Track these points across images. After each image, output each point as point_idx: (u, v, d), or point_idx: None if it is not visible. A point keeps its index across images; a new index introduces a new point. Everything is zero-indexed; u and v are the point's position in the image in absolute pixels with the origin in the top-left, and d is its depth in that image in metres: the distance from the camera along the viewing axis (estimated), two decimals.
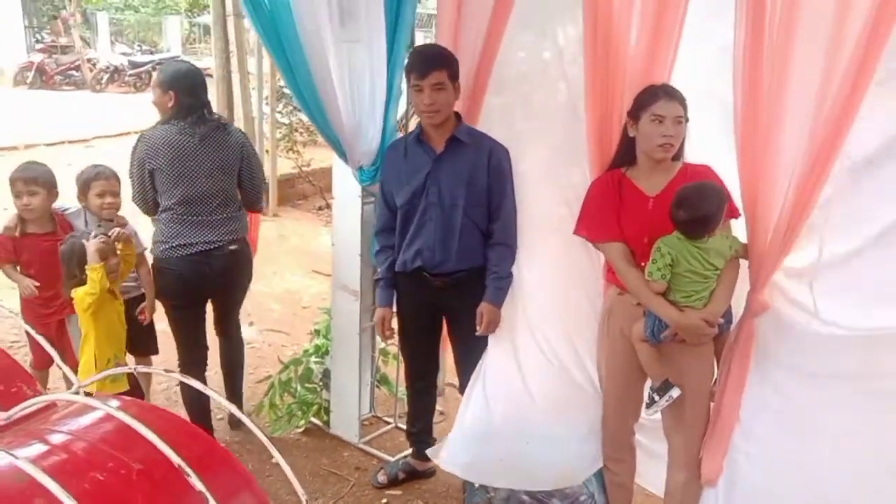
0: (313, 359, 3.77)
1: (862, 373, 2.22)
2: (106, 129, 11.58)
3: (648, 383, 2.63)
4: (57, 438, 0.68)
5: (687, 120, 2.43)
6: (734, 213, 2.40)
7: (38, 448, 0.65)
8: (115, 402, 0.69)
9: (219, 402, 0.96)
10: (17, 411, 0.72)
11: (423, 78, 2.65)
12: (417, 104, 2.73)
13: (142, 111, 13.00)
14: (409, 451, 3.44)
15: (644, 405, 2.68)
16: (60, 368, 0.80)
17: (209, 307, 3.46)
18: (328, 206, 7.79)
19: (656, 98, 2.40)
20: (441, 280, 2.86)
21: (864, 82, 1.98)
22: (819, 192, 2.15)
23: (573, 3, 2.68)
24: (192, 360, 3.34)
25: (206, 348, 3.41)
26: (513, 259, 2.87)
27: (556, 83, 2.91)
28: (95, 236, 2.90)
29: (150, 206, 3.21)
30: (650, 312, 2.47)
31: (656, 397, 2.53)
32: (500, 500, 3.10)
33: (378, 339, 3.74)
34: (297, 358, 3.82)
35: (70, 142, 10.63)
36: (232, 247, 3.24)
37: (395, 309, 3.09)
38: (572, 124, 2.80)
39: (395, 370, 3.79)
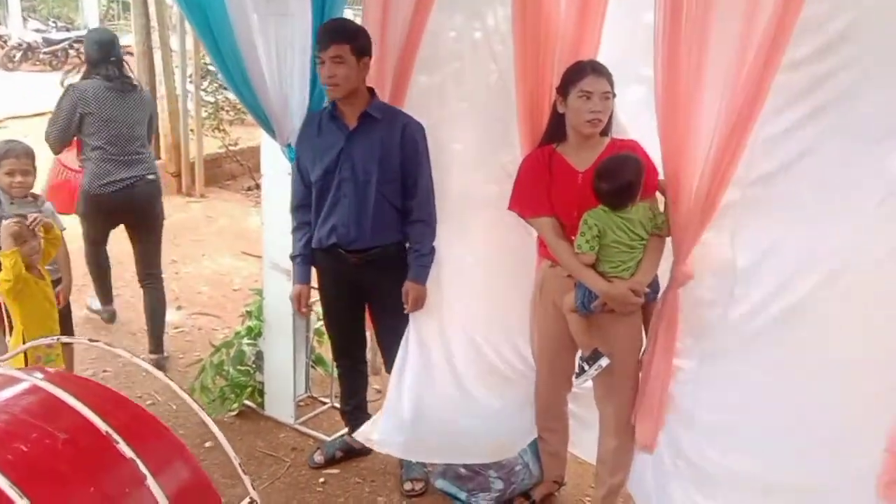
0: (245, 341, 3.70)
1: (783, 340, 2.30)
2: (20, 110, 11.05)
3: (579, 353, 2.67)
4: None
5: (614, 96, 2.47)
6: (659, 186, 2.47)
7: None
8: (38, 374, 0.65)
9: (162, 378, 0.92)
10: None
11: (323, 51, 2.63)
12: (321, 77, 2.71)
13: (57, 90, 12.55)
14: (346, 430, 3.42)
15: (574, 375, 2.73)
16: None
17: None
18: (257, 187, 7.62)
19: (584, 74, 2.44)
20: (356, 256, 2.85)
21: (775, 59, 2.05)
22: (735, 165, 2.21)
23: None
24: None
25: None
26: (433, 235, 2.87)
27: (487, 63, 2.92)
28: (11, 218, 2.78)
29: (63, 146, 3.97)
30: (580, 284, 2.52)
31: (586, 367, 2.60)
32: (438, 473, 3.14)
33: (313, 318, 3.72)
34: (229, 340, 3.74)
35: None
36: (150, 177, 4.10)
37: (315, 285, 3.09)
38: (503, 104, 2.83)
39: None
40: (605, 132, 2.57)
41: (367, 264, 2.86)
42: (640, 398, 2.61)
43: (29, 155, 3.14)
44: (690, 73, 2.19)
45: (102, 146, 3.84)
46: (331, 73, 2.65)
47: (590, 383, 2.71)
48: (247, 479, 0.98)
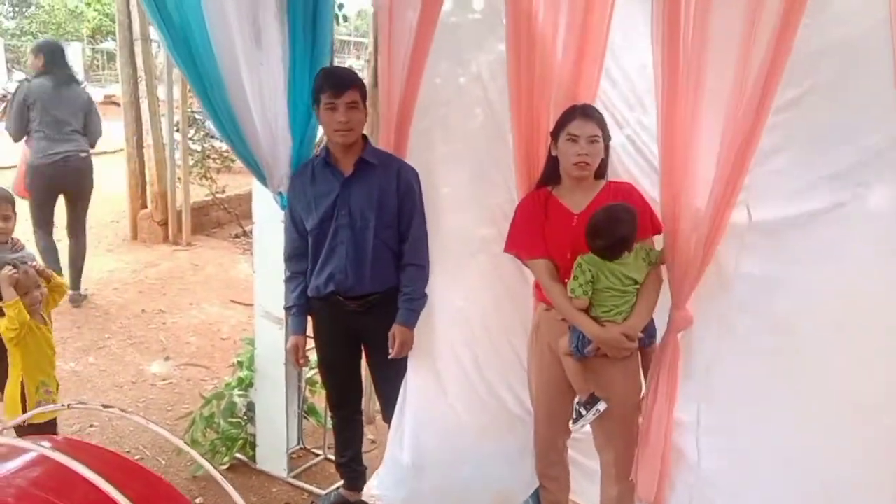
0: (236, 392, 3.62)
1: (790, 379, 2.26)
2: (2, 161, 10.97)
3: (577, 398, 2.62)
4: None
5: (608, 139, 2.47)
6: (658, 229, 2.45)
7: None
8: (46, 443, 0.60)
9: (162, 433, 0.87)
10: None
11: (338, 96, 2.61)
12: (330, 123, 2.66)
13: None
14: (340, 482, 3.33)
15: (572, 420, 2.67)
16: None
17: None
18: (245, 234, 7.59)
19: (572, 118, 2.47)
20: (355, 303, 2.81)
21: (769, 96, 2.05)
22: (731, 209, 2.20)
23: (486, 32, 2.79)
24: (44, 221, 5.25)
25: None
26: (425, 280, 2.83)
27: (473, 108, 2.94)
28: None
29: (21, 134, 5.05)
30: (574, 327, 2.49)
31: (583, 411, 2.55)
32: None
33: (305, 368, 3.65)
34: (220, 392, 3.66)
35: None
36: (82, 154, 5.19)
37: (311, 335, 3.03)
38: (493, 146, 2.84)
39: (324, 400, 3.68)
40: (600, 174, 2.56)
41: (365, 310, 2.81)
42: (640, 448, 2.55)
43: (8, 200, 3.12)
44: (688, 111, 2.18)
45: (43, 129, 5.01)
46: (347, 119, 2.63)
47: (589, 429, 2.65)
48: None
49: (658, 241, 2.48)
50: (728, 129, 2.12)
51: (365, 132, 2.82)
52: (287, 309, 3.00)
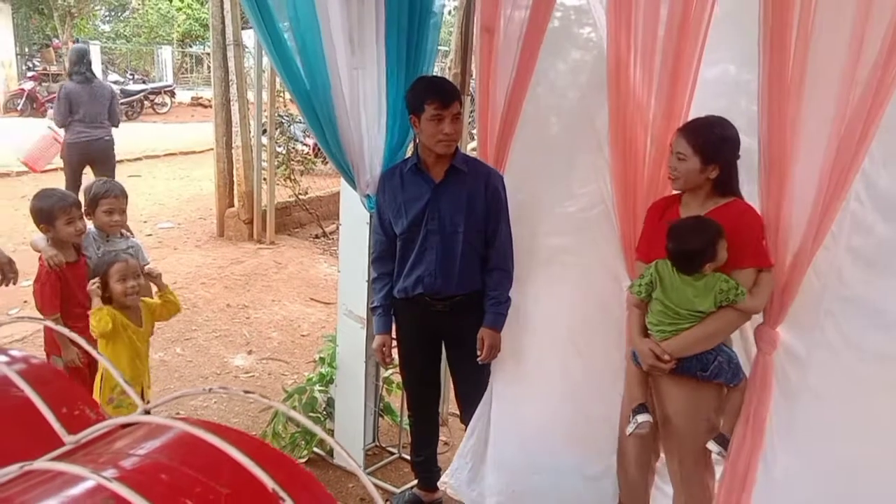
0: (317, 387, 3.72)
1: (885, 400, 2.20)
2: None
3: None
4: (133, 462, 0.66)
5: (716, 157, 2.37)
6: (760, 262, 2.32)
7: (116, 473, 0.63)
8: (191, 424, 0.66)
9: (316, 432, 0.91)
10: (88, 434, 0.70)
11: (446, 107, 2.66)
12: (434, 133, 2.69)
13: (134, 138, 13.09)
14: (415, 481, 3.39)
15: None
16: (126, 390, 0.77)
17: None
18: (325, 235, 7.78)
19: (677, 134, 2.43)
20: (441, 304, 2.86)
21: (876, 115, 2.01)
22: (832, 220, 2.16)
23: (562, 40, 2.81)
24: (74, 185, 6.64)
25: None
26: (510, 283, 2.87)
27: (549, 116, 2.97)
28: (107, 254, 3.01)
29: (64, 122, 6.73)
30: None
31: (630, 418, 2.53)
32: None
33: (382, 367, 3.73)
34: (301, 386, 3.77)
35: (62, 169, 10.56)
36: (107, 138, 6.88)
37: (394, 336, 3.08)
38: (567, 155, 2.87)
39: (400, 399, 3.75)
40: (726, 193, 2.43)
41: (450, 310, 2.87)
42: (726, 477, 2.49)
43: (125, 194, 3.29)
44: (787, 135, 2.16)
45: (78, 119, 6.71)
46: (452, 130, 2.69)
47: None
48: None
49: None
50: (832, 140, 2.08)
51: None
52: (373, 308, 3.07)
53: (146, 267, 3.21)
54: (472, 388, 3.00)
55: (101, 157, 6.87)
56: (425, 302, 2.88)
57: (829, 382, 2.28)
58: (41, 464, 0.64)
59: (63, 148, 7.01)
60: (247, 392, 0.74)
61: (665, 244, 2.40)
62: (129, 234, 3.43)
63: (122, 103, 17.44)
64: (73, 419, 0.77)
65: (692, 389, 2.46)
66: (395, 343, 3.11)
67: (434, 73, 3.26)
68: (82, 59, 6.86)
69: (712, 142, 2.34)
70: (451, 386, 3.27)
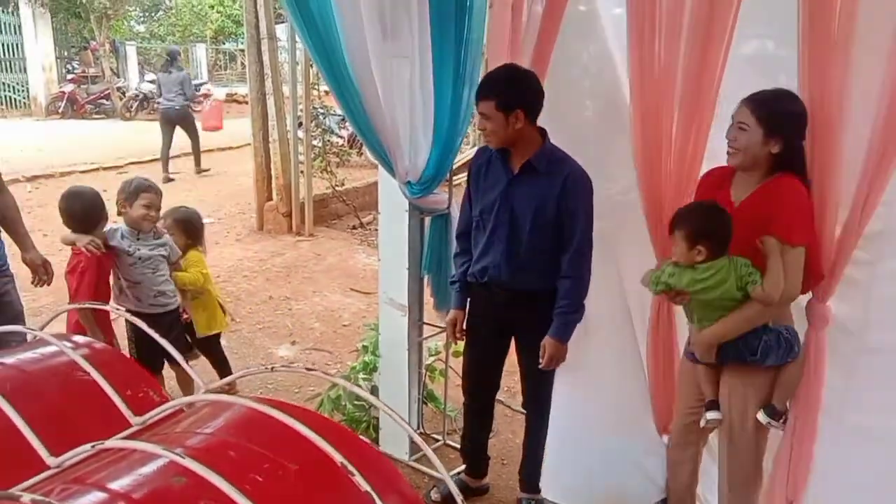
0: (361, 375, 3.75)
1: None
2: (138, 156, 11.74)
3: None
4: (200, 440, 0.66)
5: (780, 131, 2.26)
6: (796, 238, 2.23)
7: (185, 451, 0.63)
8: (262, 403, 0.66)
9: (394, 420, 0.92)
10: (154, 415, 0.71)
11: (477, 104, 2.68)
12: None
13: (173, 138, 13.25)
14: (461, 468, 3.40)
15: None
16: (187, 370, 0.78)
17: None
18: (362, 226, 7.81)
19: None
20: (506, 295, 2.84)
21: None
22: (881, 194, 2.10)
23: (593, 23, 2.78)
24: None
25: None
26: (582, 294, 2.76)
27: (583, 99, 2.96)
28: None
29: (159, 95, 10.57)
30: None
31: (706, 414, 2.52)
32: None
33: (425, 355, 3.74)
34: (345, 374, 3.80)
35: (104, 168, 10.80)
36: (184, 103, 10.34)
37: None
38: (603, 138, 2.85)
39: (444, 386, 3.76)
40: (774, 170, 2.33)
41: (516, 300, 2.84)
42: (777, 462, 2.47)
43: (161, 194, 3.36)
44: (834, 104, 2.11)
45: (165, 95, 10.22)
46: (481, 126, 2.70)
47: None
48: (450, 481, 0.96)
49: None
50: (882, 105, 2.03)
51: (542, 126, 2.75)
52: (451, 283, 3.07)
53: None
54: (535, 384, 2.99)
55: (182, 119, 10.32)
56: (492, 290, 2.87)
57: (885, 356, 2.23)
58: (113, 442, 0.65)
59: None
60: (309, 369, 0.74)
61: (736, 232, 2.32)
62: (162, 230, 3.48)
63: (158, 102, 17.89)
64: (137, 401, 0.78)
65: (742, 374, 2.42)
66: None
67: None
68: (173, 56, 10.82)
69: (778, 112, 2.24)
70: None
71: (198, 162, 10.84)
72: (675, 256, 2.37)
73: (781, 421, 2.39)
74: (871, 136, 2.06)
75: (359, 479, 0.59)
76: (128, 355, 3.18)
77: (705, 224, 2.30)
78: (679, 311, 2.69)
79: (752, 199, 2.34)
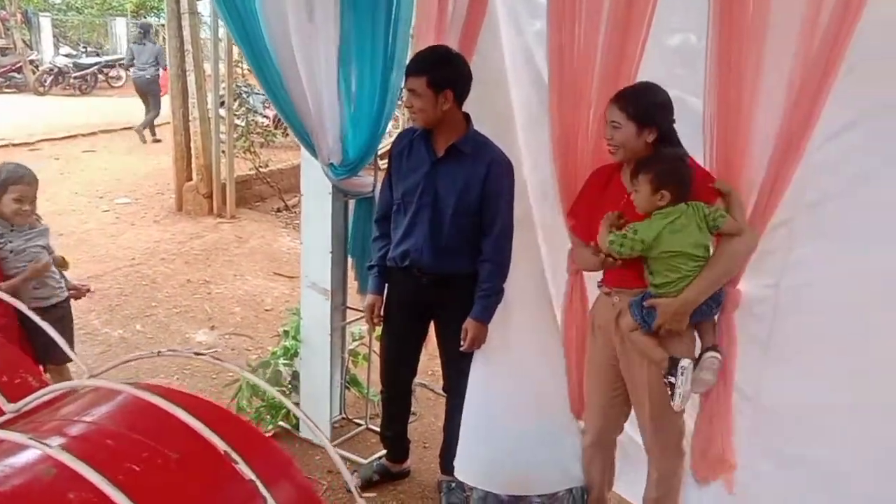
0: (282, 361, 3.67)
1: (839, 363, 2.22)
2: (51, 132, 11.25)
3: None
4: (78, 429, 0.61)
5: (652, 122, 2.36)
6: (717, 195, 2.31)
7: (59, 440, 0.58)
8: (136, 387, 0.62)
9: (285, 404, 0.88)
10: (30, 402, 0.65)
11: (406, 80, 2.64)
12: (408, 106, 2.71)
13: (89, 113, 12.72)
14: (383, 452, 3.38)
15: (671, 401, 2.46)
16: (72, 356, 0.72)
17: None
18: (287, 208, 7.67)
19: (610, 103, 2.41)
20: (428, 277, 2.82)
21: (831, 73, 2.00)
22: (788, 185, 2.16)
23: (527, 8, 2.76)
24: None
25: None
26: (503, 277, 2.79)
27: (514, 86, 2.94)
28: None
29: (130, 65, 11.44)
30: (633, 301, 2.45)
31: (673, 380, 2.39)
32: (478, 499, 3.06)
33: (348, 339, 3.69)
34: (265, 360, 3.71)
35: (14, 145, 10.30)
36: (153, 71, 10.84)
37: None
38: (533, 124, 2.83)
39: (366, 371, 3.72)
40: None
41: (438, 283, 2.82)
42: (698, 428, 2.52)
43: (35, 182, 2.97)
44: (743, 94, 2.16)
45: (138, 65, 10.73)
46: (408, 104, 2.66)
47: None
48: (352, 480, 0.94)
49: None
50: (789, 99, 2.08)
51: (472, 111, 2.75)
52: (369, 267, 3.02)
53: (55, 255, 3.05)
54: (456, 367, 2.98)
55: (148, 86, 10.80)
56: (414, 274, 2.84)
57: (796, 341, 2.30)
58: None
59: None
60: (197, 353, 0.70)
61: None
62: (38, 218, 3.09)
63: (74, 77, 17.18)
64: (13, 388, 0.72)
65: (686, 336, 2.43)
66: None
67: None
68: (145, 30, 11.53)
69: (644, 105, 2.34)
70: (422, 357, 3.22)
71: (153, 132, 11.11)
72: (637, 202, 2.36)
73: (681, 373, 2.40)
74: (779, 128, 2.11)
75: (242, 466, 0.56)
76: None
77: (671, 167, 2.30)
78: (592, 293, 2.71)
79: None
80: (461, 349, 2.82)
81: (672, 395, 2.41)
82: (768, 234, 2.25)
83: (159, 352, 0.69)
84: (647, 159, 2.36)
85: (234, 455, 0.56)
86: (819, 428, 2.29)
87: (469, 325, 2.79)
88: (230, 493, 0.58)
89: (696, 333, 2.45)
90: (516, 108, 2.96)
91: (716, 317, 2.43)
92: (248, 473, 0.57)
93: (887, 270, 2.08)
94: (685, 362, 2.36)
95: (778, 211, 2.21)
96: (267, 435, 1.05)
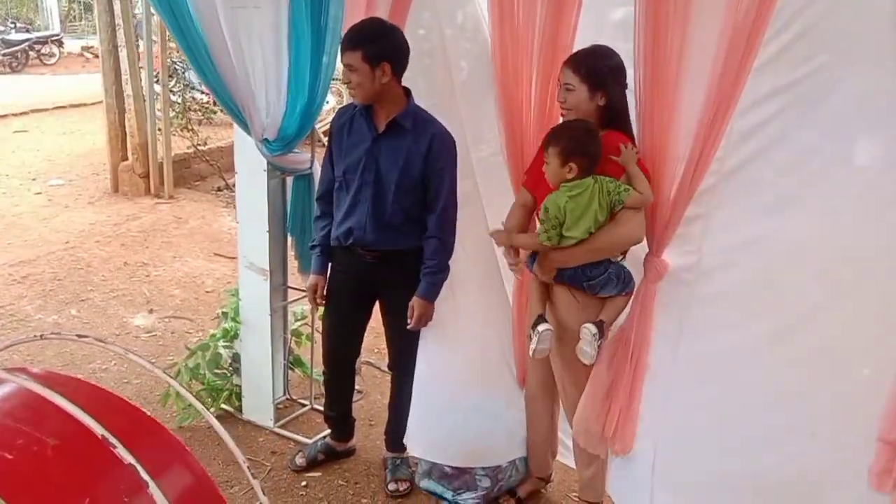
0: (221, 343, 3.60)
1: (762, 330, 2.27)
2: None
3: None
4: None
5: (603, 86, 2.38)
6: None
7: None
8: (22, 374, 0.58)
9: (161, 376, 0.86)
10: None
11: (342, 55, 2.59)
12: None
13: (18, 92, 12.24)
14: (327, 431, 3.35)
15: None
16: None
17: None
18: (227, 187, 7.50)
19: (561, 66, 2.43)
20: (372, 254, 2.79)
21: (753, 48, 2.04)
22: (712, 156, 2.20)
23: None
24: None
25: None
26: (448, 253, 2.78)
27: (459, 60, 2.91)
28: None
29: None
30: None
31: (530, 331, 2.54)
32: (423, 473, 3.09)
33: (290, 319, 3.64)
34: (205, 343, 3.64)
35: None
36: None
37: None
38: (479, 99, 2.82)
39: (310, 351, 3.68)
40: (618, 123, 2.42)
41: (383, 261, 2.79)
42: (610, 399, 2.57)
43: None
44: (671, 66, 2.18)
45: None
46: (346, 80, 2.61)
47: None
48: (257, 484, 0.91)
49: None
50: (714, 74, 2.10)
51: (418, 86, 2.74)
52: (311, 247, 2.97)
53: None
54: (401, 344, 2.97)
55: None
56: (358, 252, 2.80)
57: (715, 303, 2.35)
58: None
59: None
60: (80, 336, 0.66)
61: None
62: None
63: (3, 54, 16.49)
64: None
65: (576, 295, 2.50)
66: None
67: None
68: None
69: (598, 69, 2.36)
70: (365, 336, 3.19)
71: None
72: (548, 174, 2.39)
73: (602, 339, 2.47)
74: (706, 95, 2.13)
75: (121, 450, 0.53)
76: None
77: (578, 141, 2.33)
78: None
79: None
80: (408, 328, 2.81)
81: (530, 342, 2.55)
82: (693, 201, 2.28)
83: (42, 335, 0.65)
84: (555, 131, 2.40)
85: (112, 439, 0.53)
86: (736, 384, 2.35)
87: (415, 303, 2.78)
88: (112, 478, 0.55)
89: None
90: (459, 81, 2.92)
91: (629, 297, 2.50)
92: (128, 458, 0.54)
93: (804, 232, 2.14)
94: (542, 327, 2.49)
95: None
96: (156, 419, 1.01)
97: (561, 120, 2.47)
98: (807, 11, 2.02)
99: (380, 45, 2.56)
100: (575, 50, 2.47)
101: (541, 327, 2.49)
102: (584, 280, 2.46)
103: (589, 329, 2.44)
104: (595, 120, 2.39)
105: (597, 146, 2.33)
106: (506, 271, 2.89)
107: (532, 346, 2.52)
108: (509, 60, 2.61)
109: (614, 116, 2.40)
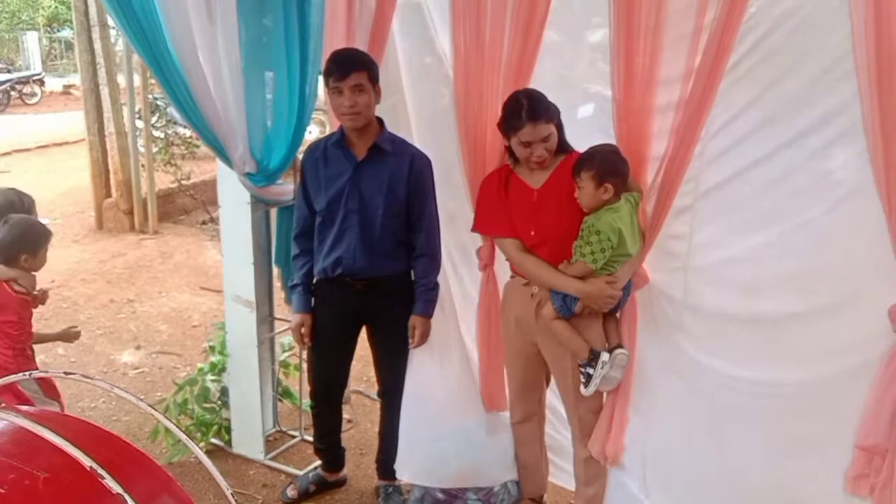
0: (209, 377, 3.59)
1: (743, 339, 2.32)
2: None
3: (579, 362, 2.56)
4: None
5: (558, 124, 2.45)
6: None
7: None
8: (12, 413, 0.59)
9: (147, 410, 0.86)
10: None
11: (342, 79, 2.56)
12: (337, 107, 2.62)
13: (0, 133, 12.21)
14: (318, 462, 3.34)
15: (582, 385, 2.55)
16: None
17: None
18: (212, 220, 7.51)
19: (521, 125, 2.39)
20: (362, 283, 2.79)
21: (720, 67, 2.09)
22: (686, 169, 2.25)
23: (444, 7, 2.74)
24: None
25: None
26: (437, 269, 2.84)
27: (439, 87, 2.95)
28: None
29: None
30: (554, 290, 2.48)
31: (591, 371, 2.47)
32: (415, 499, 3.07)
33: (278, 351, 3.64)
34: (193, 377, 3.63)
35: None
36: None
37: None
38: (455, 127, 2.82)
39: (298, 382, 3.67)
40: (560, 150, 2.50)
41: (371, 289, 2.80)
42: (602, 412, 2.59)
43: None
44: (644, 86, 2.25)
45: None
46: (353, 102, 2.58)
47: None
48: None
49: None
50: (683, 90, 2.17)
51: (403, 113, 2.80)
52: (292, 286, 2.96)
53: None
54: (391, 371, 2.97)
55: None
56: (346, 282, 2.80)
57: (702, 318, 2.40)
58: None
59: None
60: (67, 373, 0.68)
61: (546, 216, 2.47)
62: None
63: None
64: None
65: (597, 324, 2.50)
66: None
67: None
68: None
69: (551, 111, 2.42)
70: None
71: None
72: (582, 199, 2.38)
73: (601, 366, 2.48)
74: (673, 122, 2.20)
75: (109, 481, 0.54)
76: None
77: (610, 163, 2.34)
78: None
79: (553, 179, 2.50)
80: (411, 347, 2.84)
81: (586, 384, 2.50)
82: (674, 220, 2.34)
83: (30, 374, 0.66)
84: (584, 156, 2.41)
85: (101, 470, 0.55)
86: (722, 395, 2.38)
87: (416, 321, 2.81)
88: None
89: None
90: (440, 107, 2.96)
91: (617, 313, 2.53)
92: (116, 488, 0.56)
93: (783, 247, 2.19)
94: (605, 356, 2.45)
95: (679, 199, 2.30)
96: (144, 452, 1.03)
97: (539, 168, 2.50)
98: (773, 35, 2.09)
99: (375, 67, 2.66)
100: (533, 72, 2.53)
101: (605, 356, 2.44)
102: (625, 296, 2.47)
103: (626, 354, 2.47)
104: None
105: (626, 166, 2.36)
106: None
107: (596, 383, 2.47)
108: (474, 87, 2.64)
109: (561, 147, 2.48)
